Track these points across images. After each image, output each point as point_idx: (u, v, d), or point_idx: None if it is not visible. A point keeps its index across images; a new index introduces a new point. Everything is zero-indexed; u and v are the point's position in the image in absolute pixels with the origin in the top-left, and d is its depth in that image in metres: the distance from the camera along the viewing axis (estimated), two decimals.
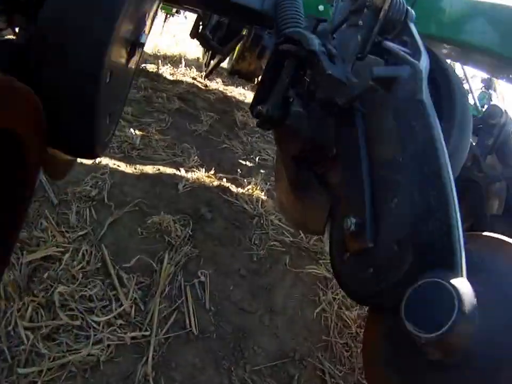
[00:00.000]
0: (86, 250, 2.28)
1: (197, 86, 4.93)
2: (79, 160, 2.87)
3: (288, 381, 2.12)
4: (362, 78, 1.08)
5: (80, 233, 2.38)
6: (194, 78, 5.15)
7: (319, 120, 1.21)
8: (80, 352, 1.81)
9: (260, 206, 3.15)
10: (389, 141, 1.07)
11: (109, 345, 1.88)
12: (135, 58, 1.53)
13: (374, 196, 1.04)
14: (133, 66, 1.60)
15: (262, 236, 2.89)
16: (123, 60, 1.39)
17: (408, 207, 0.94)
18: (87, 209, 2.55)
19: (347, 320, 2.62)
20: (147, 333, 2.00)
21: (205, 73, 5.14)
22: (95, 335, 1.90)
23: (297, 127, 1.23)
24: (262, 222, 3.01)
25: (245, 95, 5.23)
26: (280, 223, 3.06)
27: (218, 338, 2.13)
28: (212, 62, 4.80)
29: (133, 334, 1.97)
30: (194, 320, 2.15)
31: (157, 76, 4.90)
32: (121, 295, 2.12)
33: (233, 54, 5.65)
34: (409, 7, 1.23)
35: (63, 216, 2.45)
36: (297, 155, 1.31)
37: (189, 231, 2.62)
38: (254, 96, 1.33)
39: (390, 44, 1.21)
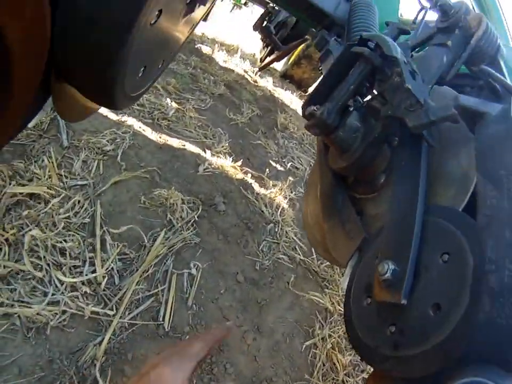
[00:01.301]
0: (79, 201, 1.99)
1: (247, 79, 4.65)
2: (104, 112, 2.68)
3: None
4: (441, 104, 0.87)
5: (80, 182, 2.10)
6: (245, 71, 4.88)
7: (375, 140, 0.99)
8: (31, 308, 1.54)
9: (278, 213, 2.82)
10: (457, 185, 0.88)
11: (64, 311, 1.59)
12: (193, 16, 1.22)
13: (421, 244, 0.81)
14: (188, 26, 1.29)
15: (272, 245, 2.55)
16: (178, 6, 1.09)
17: (462, 268, 0.69)
18: (96, 162, 2.27)
19: (336, 363, 2.27)
20: (111, 312, 1.70)
21: (258, 68, 4.92)
22: (53, 294, 1.61)
23: (349, 141, 1.02)
24: (276, 230, 2.68)
25: (292, 100, 4.93)
26: (295, 238, 2.72)
27: None
28: (268, 58, 4.54)
29: (96, 308, 1.67)
30: (170, 314, 1.83)
31: (210, 59, 4.63)
32: (98, 260, 1.81)
33: (289, 58, 5.43)
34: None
35: (68, 161, 2.18)
36: (339, 171, 1.10)
37: (195, 216, 2.31)
38: (309, 95, 1.11)
39: (489, 70, 1.06)
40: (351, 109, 1.04)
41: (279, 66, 5.70)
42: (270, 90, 4.65)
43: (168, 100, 3.28)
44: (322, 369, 2.18)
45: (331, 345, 2.32)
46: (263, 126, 3.89)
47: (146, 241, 1.99)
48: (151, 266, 1.92)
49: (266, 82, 4.75)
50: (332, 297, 2.60)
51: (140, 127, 2.75)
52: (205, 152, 2.94)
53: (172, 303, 1.85)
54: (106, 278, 1.78)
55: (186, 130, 3.08)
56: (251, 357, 1.95)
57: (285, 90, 5.07)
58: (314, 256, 2.75)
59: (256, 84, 4.66)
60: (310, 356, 2.20)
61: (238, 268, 2.26)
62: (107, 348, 1.61)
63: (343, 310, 0.97)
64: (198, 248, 2.17)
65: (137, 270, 1.86)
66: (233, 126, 3.59)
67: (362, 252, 0.98)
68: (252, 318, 2.10)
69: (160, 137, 2.77)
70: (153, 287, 1.87)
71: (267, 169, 3.24)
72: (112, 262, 1.83)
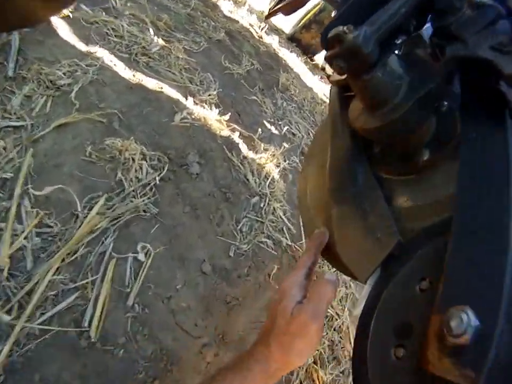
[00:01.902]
0: (5, 148, 1.42)
1: (251, 32, 3.99)
2: (71, 41, 2.07)
3: None
4: None
5: (14, 123, 1.54)
6: (251, 25, 4.21)
7: (428, 97, 0.68)
8: None
9: (267, 184, 2.24)
10: None
11: None
12: None
13: None
14: None
15: (254, 225, 1.99)
16: None
17: None
18: (43, 98, 1.69)
19: (316, 381, 1.78)
20: (14, 313, 1.16)
21: (265, 16, 4.38)
22: None
23: (390, 89, 0.69)
24: (262, 205, 2.11)
25: (296, 63, 4.29)
26: (283, 217, 2.17)
27: (126, 361, 1.28)
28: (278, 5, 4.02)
29: None
30: (101, 317, 1.29)
31: (214, 6, 3.92)
32: (8, 230, 1.26)
33: (299, 21, 4.91)
34: None
35: (8, 95, 1.62)
36: (365, 134, 0.76)
37: (157, 178, 1.72)
38: (337, 13, 0.78)
39: None
40: (399, 41, 0.73)
41: (287, 28, 5.08)
42: (274, 49, 4.03)
43: (155, 36, 2.60)
44: None
45: (312, 359, 1.83)
46: (261, 82, 3.25)
47: (80, 208, 1.42)
48: (81, 245, 1.36)
49: (272, 40, 4.13)
50: None
51: (110, 61, 2.11)
52: (186, 99, 2.30)
53: (105, 301, 1.31)
54: (15, 258, 1.24)
55: (169, 71, 2.44)
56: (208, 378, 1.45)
57: (290, 52, 4.46)
58: (303, 241, 2.21)
59: (260, 39, 4.03)
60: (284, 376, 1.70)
61: (205, 252, 1.70)
62: (6, 364, 1.11)
63: (352, 349, 0.69)
64: (154, 222, 1.60)
65: (59, 249, 1.31)
66: (227, 76, 2.94)
67: (392, 267, 0.65)
68: (215, 325, 1.57)
69: (133, 76, 2.14)
70: (80, 277, 1.31)
71: (259, 130, 2.61)
72: (25, 238, 1.28)
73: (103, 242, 1.42)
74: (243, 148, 2.31)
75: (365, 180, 0.80)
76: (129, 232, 1.51)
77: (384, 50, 0.67)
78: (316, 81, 4.18)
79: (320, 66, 4.77)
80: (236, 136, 2.33)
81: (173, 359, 1.37)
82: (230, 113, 2.42)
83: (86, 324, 1.25)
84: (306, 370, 1.77)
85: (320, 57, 4.88)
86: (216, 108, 2.39)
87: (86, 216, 1.41)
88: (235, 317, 1.65)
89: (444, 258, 0.54)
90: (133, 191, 1.59)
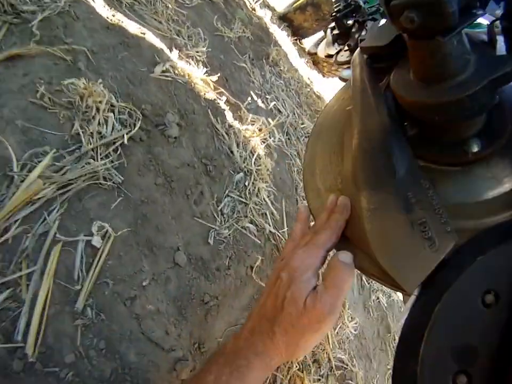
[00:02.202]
0: None
1: (245, 1, 3.54)
2: None
3: None
4: None
5: None
6: None
7: (499, 80, 0.60)
8: None
9: (253, 160, 1.85)
10: None
11: None
12: None
13: None
14: None
15: (237, 206, 1.62)
16: None
17: None
18: None
19: None
20: None
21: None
22: None
23: (460, 62, 0.61)
24: (246, 184, 1.73)
25: (285, 42, 3.88)
26: (267, 199, 1.80)
27: None
28: None
29: None
30: (40, 326, 0.90)
31: None
32: None
33: (294, 2, 4.57)
34: None
35: None
36: (421, 110, 0.66)
37: (126, 137, 1.28)
38: None
39: None
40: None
41: (279, 7, 4.65)
42: (266, 23, 3.62)
43: None
44: None
45: (297, 365, 1.52)
46: (252, 51, 2.83)
47: (16, 168, 1.00)
48: (13, 223, 0.95)
49: (264, 15, 3.71)
50: None
51: None
52: (171, 51, 1.84)
53: (46, 303, 0.91)
54: None
55: (155, 19, 1.97)
56: None
57: (282, 30, 4.09)
58: (286, 228, 1.87)
59: (253, 11, 3.61)
60: (268, 380, 1.39)
61: (180, 238, 1.31)
62: None
63: (393, 371, 0.53)
64: (116, 195, 1.19)
65: None
66: (218, 38, 2.49)
67: (446, 275, 0.54)
68: (190, 331, 1.20)
69: (113, 16, 1.66)
70: (11, 269, 0.91)
71: (248, 99, 2.21)
72: None
73: (45, 219, 1.01)
74: (229, 116, 1.89)
75: (408, 165, 0.68)
76: (83, 206, 1.10)
77: (464, 16, 0.58)
78: (302, 64, 3.85)
79: (306, 50, 4.43)
80: (222, 102, 1.89)
81: (140, 380, 1.01)
82: (218, 76, 1.99)
83: (20, 337, 0.86)
84: (289, 378, 1.47)
85: (308, 42, 4.53)
86: (203, 67, 1.95)
87: (24, 179, 0.99)
88: (213, 320, 1.29)
89: None
90: (92, 150, 1.17)
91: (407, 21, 0.56)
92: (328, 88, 3.97)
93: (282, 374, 1.45)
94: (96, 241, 1.06)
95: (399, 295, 2.91)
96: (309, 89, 3.35)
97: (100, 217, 1.11)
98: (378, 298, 2.55)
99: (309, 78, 3.69)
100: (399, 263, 0.60)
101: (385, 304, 2.60)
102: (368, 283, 2.50)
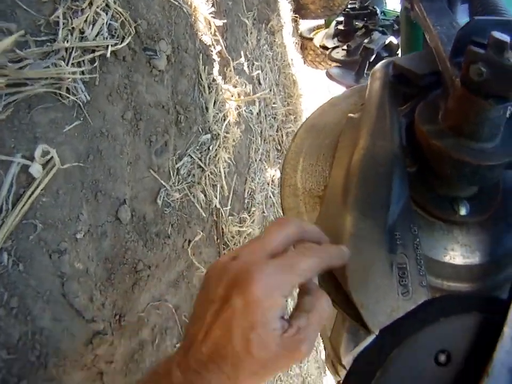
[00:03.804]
0: None
1: None
2: None
3: None
4: None
5: None
6: None
7: None
8: None
9: (224, 124, 1.59)
10: None
11: None
12: None
13: None
14: None
15: (194, 169, 1.37)
16: None
17: None
18: None
19: None
20: None
21: None
22: None
23: (498, 129, 0.61)
24: (210, 147, 1.46)
25: (286, 15, 3.57)
26: (223, 172, 1.58)
27: None
28: None
29: None
30: None
31: None
32: None
33: None
34: None
35: None
36: (440, 158, 0.63)
37: (110, 50, 0.97)
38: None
39: None
40: None
41: None
42: None
43: None
44: None
45: None
46: (257, 11, 2.57)
47: None
48: None
49: None
50: None
51: None
52: None
53: None
54: None
55: None
56: (93, 373, 0.91)
57: (287, 1, 3.80)
58: (229, 207, 1.68)
59: None
60: None
61: (129, 190, 1.07)
62: None
63: None
64: (75, 115, 0.91)
65: None
66: None
67: (408, 325, 0.51)
68: (115, 300, 0.99)
69: None
70: None
71: (238, 59, 1.96)
72: None
73: None
74: (216, 69, 1.62)
75: (403, 204, 0.64)
76: (30, 118, 0.82)
77: None
78: (291, 43, 3.62)
79: (299, 32, 4.18)
80: (214, 52, 1.63)
81: (49, 348, 0.81)
82: (221, 23, 1.71)
83: None
84: None
85: (304, 24, 4.26)
86: (210, 6, 1.67)
87: None
88: (139, 292, 1.08)
89: (470, 337, 0.47)
90: (66, 50, 0.87)
91: (476, 73, 0.54)
92: (304, 76, 3.79)
93: None
94: (35, 169, 0.79)
95: None
96: (289, 71, 3.14)
97: (47, 139, 0.84)
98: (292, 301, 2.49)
99: (291, 60, 3.49)
100: (369, 302, 0.56)
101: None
102: None
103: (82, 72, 0.93)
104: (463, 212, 0.65)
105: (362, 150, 0.69)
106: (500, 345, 0.45)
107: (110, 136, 1.01)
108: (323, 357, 3.45)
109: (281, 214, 2.52)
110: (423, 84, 0.74)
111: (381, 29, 3.28)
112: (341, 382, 0.56)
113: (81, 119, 0.94)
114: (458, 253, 0.65)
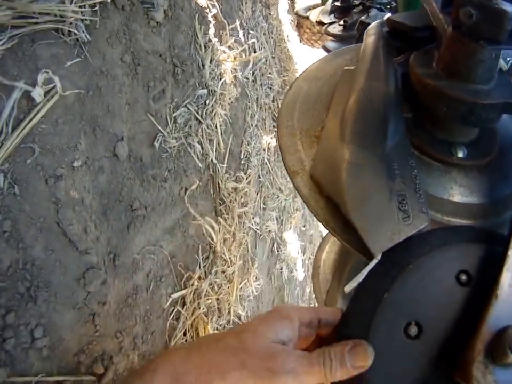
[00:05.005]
0: None
1: None
2: None
3: None
4: None
5: None
6: None
7: None
8: None
9: (220, 82, 1.62)
10: None
11: None
12: None
13: None
14: None
15: (191, 120, 1.39)
16: None
17: None
18: None
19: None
20: None
21: None
22: None
23: (493, 70, 0.64)
24: (206, 102, 1.50)
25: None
26: (218, 128, 1.62)
27: None
28: None
29: None
30: None
31: None
32: None
33: None
34: None
35: None
36: (436, 97, 0.65)
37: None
38: None
39: None
40: None
41: None
42: None
43: None
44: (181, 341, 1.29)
45: (204, 307, 1.41)
46: None
47: None
48: None
49: None
50: (225, 233, 1.64)
51: None
52: None
53: None
54: None
55: None
56: (85, 314, 0.93)
57: None
58: (225, 165, 1.72)
59: None
60: (172, 316, 1.26)
61: (126, 128, 1.10)
62: None
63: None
64: (76, 53, 0.94)
65: None
66: None
67: (409, 252, 0.54)
68: (110, 237, 1.01)
69: None
70: None
71: (233, 24, 1.96)
72: None
73: None
74: (211, 30, 1.64)
75: (400, 138, 0.65)
76: (33, 51, 0.85)
77: None
78: (287, 20, 3.62)
79: (295, 10, 4.15)
80: (210, 14, 1.66)
81: (40, 280, 0.82)
82: None
83: None
84: (193, 319, 1.37)
85: (300, 3, 4.22)
86: None
87: None
88: (134, 233, 1.11)
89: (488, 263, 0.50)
90: None
91: (466, 16, 0.56)
92: (300, 53, 3.80)
93: (187, 312, 1.33)
94: (37, 93, 0.82)
95: (299, 272, 2.89)
96: (285, 46, 3.15)
97: (50, 65, 0.87)
98: (281, 269, 2.49)
99: (287, 36, 3.49)
100: (370, 225, 0.56)
101: (286, 278, 2.55)
102: (277, 251, 2.44)
103: (83, 14, 0.96)
104: (460, 154, 0.67)
105: (358, 92, 0.70)
106: (506, 267, 0.47)
107: (110, 76, 1.04)
108: None
109: (277, 182, 2.56)
110: (416, 37, 0.77)
111: (378, 6, 3.28)
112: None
113: (82, 57, 0.97)
114: (457, 192, 0.66)
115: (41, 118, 0.85)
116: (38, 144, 0.84)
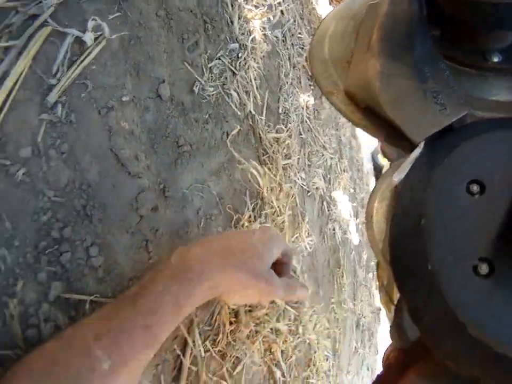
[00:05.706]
0: None
1: None
2: None
3: None
4: None
5: None
6: None
7: None
8: None
9: (250, 38, 1.74)
10: None
11: None
12: None
13: None
14: None
15: (226, 71, 1.52)
16: None
17: None
18: None
19: None
20: None
21: None
22: None
23: None
24: (239, 55, 1.61)
25: None
26: (253, 82, 1.73)
27: (25, 188, 0.79)
28: None
29: None
30: (2, 108, 0.80)
31: None
32: None
33: None
34: None
35: None
36: (463, 5, 0.62)
37: None
38: None
39: None
40: None
41: None
42: None
43: None
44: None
45: None
46: None
47: None
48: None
49: None
50: (271, 181, 1.74)
51: None
52: None
53: (16, 85, 0.81)
54: None
55: None
56: (139, 240, 1.00)
57: None
58: (264, 117, 1.82)
59: None
60: None
61: (167, 73, 1.23)
62: None
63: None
64: (115, 8, 1.07)
65: None
66: None
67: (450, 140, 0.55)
68: (159, 169, 1.13)
69: None
70: None
71: None
72: None
73: (40, 2, 0.93)
74: None
75: (429, 47, 0.65)
76: (80, 6, 1.02)
77: None
78: None
79: None
80: None
81: (95, 201, 0.90)
82: None
83: None
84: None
85: None
86: None
87: None
88: (182, 168, 1.22)
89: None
90: None
91: None
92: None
93: None
94: (88, 37, 0.96)
95: (353, 235, 2.87)
96: (313, 7, 3.18)
97: (92, 11, 1.02)
98: (334, 229, 2.49)
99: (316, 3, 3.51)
100: (409, 118, 0.57)
101: (340, 239, 2.54)
102: (328, 210, 2.45)
103: None
104: (495, 59, 0.65)
105: (382, 17, 0.71)
106: None
107: (147, 28, 1.18)
108: (377, 302, 3.44)
109: (320, 140, 2.58)
110: None
111: None
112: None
113: (121, 11, 1.11)
114: (496, 92, 0.65)
115: (91, 60, 0.98)
116: (90, 81, 0.97)
